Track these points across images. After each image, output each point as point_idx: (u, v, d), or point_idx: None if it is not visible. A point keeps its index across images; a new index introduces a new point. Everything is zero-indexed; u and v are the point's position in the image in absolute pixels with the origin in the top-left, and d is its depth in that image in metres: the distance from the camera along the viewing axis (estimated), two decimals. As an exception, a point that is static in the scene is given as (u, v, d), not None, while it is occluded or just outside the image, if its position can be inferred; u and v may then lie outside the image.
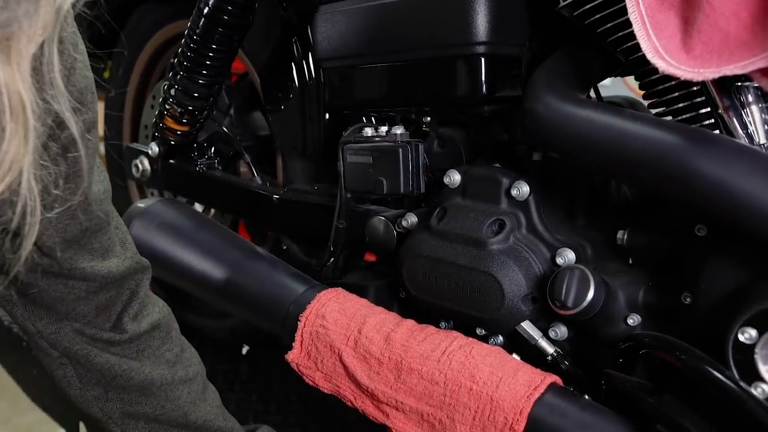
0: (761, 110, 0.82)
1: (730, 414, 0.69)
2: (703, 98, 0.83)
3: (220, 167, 1.58)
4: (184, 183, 1.58)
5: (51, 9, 0.60)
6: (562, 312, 0.89)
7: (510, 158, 1.11)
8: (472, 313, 0.99)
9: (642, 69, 0.89)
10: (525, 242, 0.97)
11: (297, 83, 1.39)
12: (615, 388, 0.82)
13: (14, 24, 0.56)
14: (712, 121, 0.83)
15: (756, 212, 0.68)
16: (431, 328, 0.98)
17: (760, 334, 0.71)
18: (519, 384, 0.85)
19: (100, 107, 1.10)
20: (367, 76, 1.13)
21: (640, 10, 0.77)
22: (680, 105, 0.85)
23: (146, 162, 1.63)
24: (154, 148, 1.55)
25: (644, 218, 0.94)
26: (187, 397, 0.93)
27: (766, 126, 0.83)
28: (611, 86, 2.44)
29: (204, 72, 1.36)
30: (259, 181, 1.52)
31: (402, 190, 1.12)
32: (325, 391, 1.04)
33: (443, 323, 1.08)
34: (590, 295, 0.87)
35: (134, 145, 1.69)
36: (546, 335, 0.97)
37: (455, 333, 0.96)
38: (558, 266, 0.94)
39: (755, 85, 0.79)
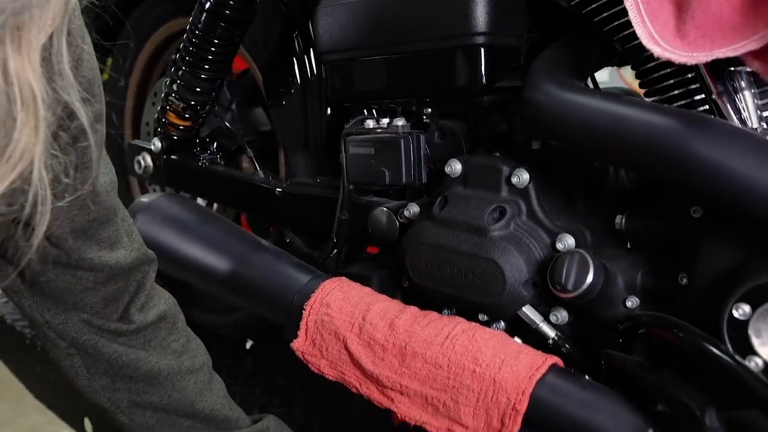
0: (753, 96, 0.84)
1: (726, 387, 0.71)
2: (698, 85, 0.84)
3: (222, 162, 1.60)
4: (187, 178, 1.59)
5: (61, 0, 0.62)
6: (563, 295, 0.91)
7: (509, 148, 1.12)
8: (475, 299, 1.01)
9: (638, 58, 0.91)
10: (525, 229, 0.99)
11: (298, 78, 1.41)
12: (615, 367, 0.84)
13: (26, 13, 0.57)
14: (707, 107, 0.85)
15: (750, 192, 0.70)
16: (434, 314, 1.00)
17: (754, 309, 0.73)
18: (521, 365, 0.87)
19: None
20: (369, 69, 1.15)
21: (635, -2, 0.79)
22: (675, 92, 0.87)
23: (149, 158, 1.64)
24: (156, 144, 1.57)
25: (642, 203, 0.95)
26: (194, 387, 0.95)
27: (758, 111, 0.85)
28: (609, 81, 2.47)
29: (206, 67, 1.38)
30: (261, 175, 1.54)
31: (404, 180, 1.14)
32: (331, 378, 1.05)
33: (446, 310, 1.10)
34: (590, 278, 0.89)
35: (136, 142, 1.71)
36: (547, 319, 0.99)
37: (458, 318, 0.98)
38: (558, 252, 0.96)
39: (748, 70, 0.81)
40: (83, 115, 0.70)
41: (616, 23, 0.89)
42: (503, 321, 1.04)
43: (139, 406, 0.92)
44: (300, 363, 1.68)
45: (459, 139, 1.17)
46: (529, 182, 1.01)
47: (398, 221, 1.17)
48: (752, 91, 0.83)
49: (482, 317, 1.04)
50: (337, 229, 1.27)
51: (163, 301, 0.95)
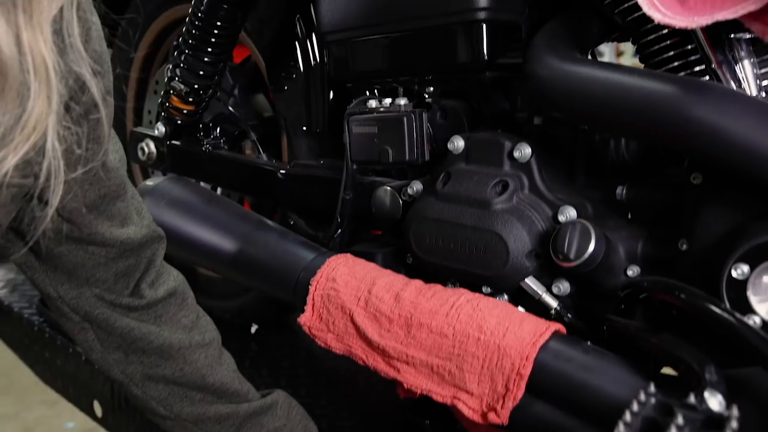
0: (753, 65, 0.85)
1: (726, 344, 0.72)
2: (698, 56, 0.86)
3: (225, 147, 1.61)
4: (191, 163, 1.60)
5: None
6: (565, 264, 0.92)
7: (511, 125, 1.14)
8: (479, 271, 1.03)
9: (638, 30, 0.92)
10: (528, 202, 1.01)
11: (301, 61, 1.43)
12: (617, 332, 0.86)
13: None
14: (707, 77, 0.86)
15: (750, 154, 0.72)
16: (439, 286, 1.02)
17: (752, 268, 0.75)
18: (525, 332, 0.88)
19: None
20: (371, 47, 1.16)
21: (635, -35, 0.81)
22: (675, 63, 0.89)
23: (152, 145, 1.66)
24: (160, 128, 1.58)
25: (642, 174, 0.97)
26: (205, 361, 0.97)
27: (757, 80, 0.86)
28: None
29: (209, 50, 1.40)
30: (265, 158, 1.55)
31: (407, 158, 1.15)
32: (337, 351, 1.07)
33: (450, 285, 1.12)
34: (591, 246, 0.90)
35: (139, 129, 1.72)
36: (549, 291, 1.00)
37: (463, 289, 1.00)
38: (560, 224, 0.98)
39: (747, 37, 0.83)
40: (94, 88, 0.71)
41: (615, -4, 0.90)
42: (506, 294, 1.06)
43: (151, 379, 0.94)
44: (304, 346, 1.71)
45: (461, 118, 1.18)
46: (531, 156, 1.02)
47: (401, 200, 1.19)
48: (752, 60, 0.85)
49: (486, 290, 1.06)
50: (341, 209, 1.29)
51: (172, 278, 0.97)
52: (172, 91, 1.48)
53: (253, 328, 1.76)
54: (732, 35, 0.83)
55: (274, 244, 1.19)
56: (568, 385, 0.84)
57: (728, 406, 0.62)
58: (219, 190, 1.67)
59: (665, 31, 0.87)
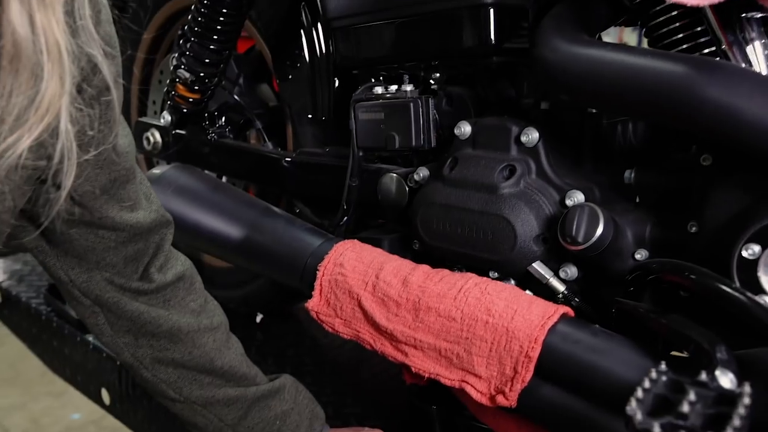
0: (764, 45, 0.85)
1: (737, 323, 0.72)
2: (708, 37, 0.86)
3: (231, 136, 1.61)
4: (196, 152, 1.61)
5: None
6: (573, 248, 0.92)
7: (517, 111, 1.14)
8: (486, 256, 1.03)
9: (646, 13, 0.92)
10: (535, 186, 1.01)
11: (306, 49, 1.42)
12: (625, 313, 0.86)
13: None
14: (717, 58, 0.86)
15: (762, 132, 0.72)
16: (446, 271, 1.02)
17: (763, 248, 0.75)
18: (533, 315, 0.88)
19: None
20: (377, 34, 1.16)
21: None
22: (685, 45, 0.88)
23: (157, 134, 1.66)
24: (166, 117, 1.59)
25: (650, 158, 0.97)
26: (213, 344, 0.97)
27: (768, 60, 0.86)
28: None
29: (214, 37, 1.40)
30: (270, 147, 1.55)
31: (413, 143, 1.15)
32: (345, 336, 1.07)
33: (457, 270, 1.11)
34: (600, 229, 0.90)
35: (144, 119, 1.72)
36: (556, 275, 1.00)
37: (470, 273, 1.00)
38: (567, 208, 0.98)
39: (758, 16, 0.82)
40: (106, 69, 0.72)
41: (624, -22, 0.90)
42: (513, 278, 1.06)
43: (161, 362, 0.94)
44: (309, 335, 1.71)
45: (467, 105, 1.18)
46: (539, 141, 1.02)
47: (407, 186, 1.19)
48: (762, 41, 0.85)
49: (493, 274, 1.06)
50: (347, 196, 1.29)
51: (180, 263, 0.97)
52: (177, 80, 1.48)
53: (258, 318, 1.77)
54: (743, 15, 0.83)
55: (281, 231, 1.19)
56: (577, 367, 0.84)
57: (740, 384, 0.62)
58: (224, 179, 1.67)
59: (675, 12, 0.87)
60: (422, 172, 1.16)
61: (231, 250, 1.24)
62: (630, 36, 4.58)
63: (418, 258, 1.15)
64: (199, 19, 1.39)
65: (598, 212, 0.91)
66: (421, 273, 1.00)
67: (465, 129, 1.10)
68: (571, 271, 1.00)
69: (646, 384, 0.59)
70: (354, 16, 1.17)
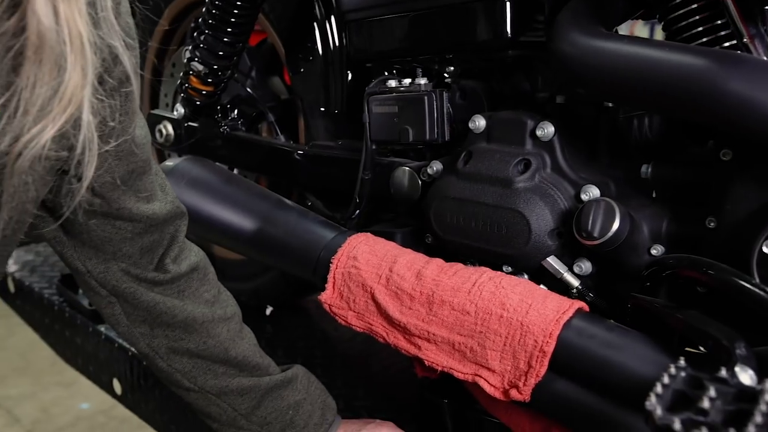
0: (786, 38, 0.84)
1: (756, 319, 0.72)
2: (729, 30, 0.85)
3: (243, 128, 1.61)
4: (208, 144, 1.61)
5: None
6: (588, 243, 0.92)
7: (531, 105, 1.13)
8: (500, 250, 1.03)
9: (665, 6, 0.91)
10: (550, 180, 1.01)
11: (319, 42, 1.42)
12: (641, 309, 0.85)
13: None
14: (739, 52, 0.85)
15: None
16: (460, 265, 1.01)
17: (784, 244, 0.74)
18: (548, 309, 0.88)
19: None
20: (391, 27, 1.16)
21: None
22: (705, 39, 0.88)
23: (170, 127, 1.66)
24: (179, 110, 1.59)
25: (666, 152, 0.96)
26: (227, 335, 0.98)
27: (791, 53, 0.85)
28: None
29: (228, 30, 1.40)
30: (282, 139, 1.55)
31: (427, 137, 1.15)
32: (358, 329, 1.07)
33: (470, 264, 1.11)
34: (616, 225, 0.90)
35: (157, 111, 1.73)
36: (571, 270, 1.00)
37: (484, 267, 1.00)
38: (582, 203, 0.97)
39: (780, 5, 0.82)
40: (126, 60, 0.72)
41: (643, -29, 0.89)
42: (526, 273, 1.05)
43: (176, 352, 0.95)
44: (319, 327, 1.71)
45: (480, 99, 1.18)
46: (554, 135, 1.02)
47: (420, 180, 1.19)
48: (785, 33, 0.84)
49: (506, 269, 1.06)
50: (360, 189, 1.29)
51: (194, 254, 0.98)
52: (191, 72, 1.48)
53: (268, 310, 1.77)
54: (766, 7, 0.82)
55: (294, 223, 1.19)
56: (592, 362, 0.84)
57: (760, 381, 0.62)
58: (236, 172, 1.67)
59: (695, 5, 0.86)
60: (435, 166, 1.16)
61: (244, 243, 1.24)
62: (641, 29, 4.55)
63: (430, 252, 1.15)
64: (214, 11, 1.38)
65: (615, 207, 0.91)
66: (435, 266, 1.00)
67: (480, 123, 1.10)
68: (585, 266, 0.99)
69: (665, 379, 0.59)
70: (368, 9, 1.17)
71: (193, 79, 1.49)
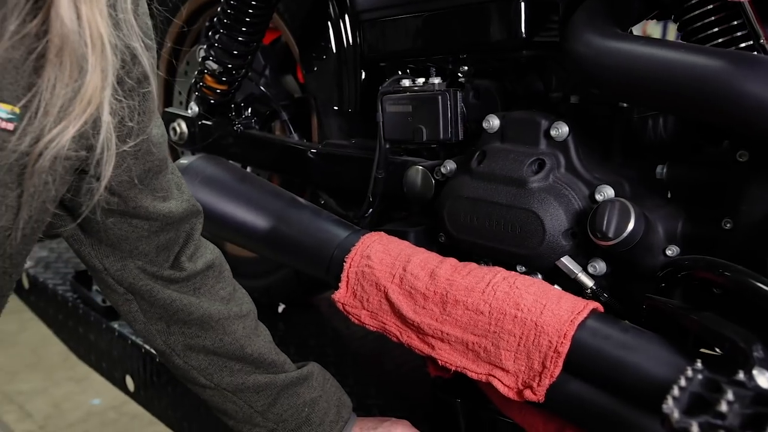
0: (803, 40, 0.84)
1: (771, 322, 0.72)
2: (745, 31, 0.85)
3: (257, 127, 1.62)
4: (222, 142, 1.62)
5: None
6: (603, 243, 0.92)
7: (545, 105, 1.13)
8: (513, 250, 1.03)
9: (681, 6, 0.91)
10: (564, 181, 1.01)
11: (333, 41, 1.42)
12: (656, 310, 0.85)
13: None
14: (755, 53, 0.85)
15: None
16: (474, 264, 1.02)
17: (802, 246, 0.74)
18: (562, 310, 0.88)
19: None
20: (406, 26, 1.16)
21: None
22: (721, 39, 0.87)
23: (183, 125, 1.67)
24: (193, 108, 1.60)
25: (681, 153, 0.96)
26: (243, 332, 0.98)
27: (808, 53, 0.85)
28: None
29: (243, 29, 1.40)
30: (296, 138, 1.56)
31: (441, 136, 1.15)
32: (371, 328, 1.08)
33: (483, 263, 1.11)
34: (631, 225, 0.89)
35: (171, 109, 1.73)
36: (585, 270, 1.00)
37: (498, 267, 1.00)
38: (596, 203, 0.97)
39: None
40: (145, 61, 0.73)
41: (659, -29, 0.89)
42: (540, 273, 1.05)
43: (192, 349, 0.96)
44: (330, 325, 1.72)
45: (494, 99, 1.18)
46: (568, 135, 1.02)
47: (434, 179, 1.19)
48: (801, 34, 0.84)
49: (520, 269, 1.06)
50: (373, 188, 1.29)
51: (210, 251, 0.99)
52: (206, 71, 1.49)
53: (280, 308, 1.78)
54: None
55: (308, 222, 1.20)
56: (606, 363, 0.84)
57: (777, 383, 0.62)
58: (249, 170, 1.68)
59: (711, 6, 0.86)
60: (449, 165, 1.16)
61: (257, 241, 1.25)
62: (654, 29, 4.52)
63: (444, 251, 1.15)
64: (228, 11, 1.39)
65: (630, 207, 0.90)
66: (449, 266, 1.00)
67: (493, 122, 1.10)
68: (599, 267, 0.99)
69: (683, 382, 0.59)
70: (383, 9, 1.17)
71: (207, 77, 1.50)
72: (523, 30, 1.03)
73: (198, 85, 1.54)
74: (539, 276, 1.06)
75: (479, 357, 0.94)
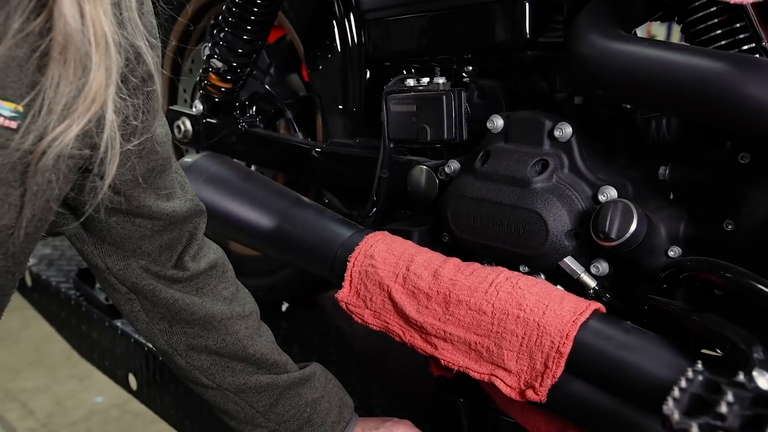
0: (804, 43, 0.84)
1: (773, 324, 0.72)
2: (748, 33, 0.85)
3: (261, 125, 1.62)
4: (226, 141, 1.62)
5: None
6: (606, 244, 0.92)
7: (549, 105, 1.14)
8: (517, 250, 1.03)
9: (684, 8, 0.91)
10: (568, 181, 1.01)
11: (338, 40, 1.43)
12: (658, 311, 0.85)
13: None
14: (757, 56, 0.85)
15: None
16: (477, 264, 1.02)
17: (803, 248, 0.74)
18: (565, 310, 0.88)
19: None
20: (411, 26, 1.16)
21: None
22: (724, 42, 0.88)
23: (188, 123, 1.67)
24: (198, 106, 1.60)
25: (684, 155, 0.96)
26: (245, 332, 0.99)
27: (810, 56, 0.85)
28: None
29: (248, 28, 1.41)
30: (300, 137, 1.56)
31: (445, 136, 1.15)
32: (374, 327, 1.08)
33: (486, 263, 1.12)
34: (633, 226, 0.90)
35: (176, 107, 1.74)
36: (587, 271, 1.00)
37: (501, 267, 1.00)
38: (599, 203, 0.98)
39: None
40: (150, 59, 0.73)
41: (662, -27, 0.89)
42: (543, 273, 1.06)
43: (195, 349, 0.96)
44: (334, 324, 1.72)
45: (498, 99, 1.18)
46: (572, 136, 1.02)
47: (438, 179, 1.19)
48: (803, 38, 0.84)
49: (523, 269, 1.06)
50: (377, 188, 1.29)
51: (213, 251, 0.99)
52: (210, 69, 1.49)
53: (284, 306, 1.78)
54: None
55: (312, 221, 1.20)
56: (608, 363, 0.84)
57: (777, 385, 0.62)
58: (253, 168, 1.68)
59: (714, 8, 0.86)
60: (453, 165, 1.17)
61: (261, 240, 1.25)
62: (658, 29, 4.52)
63: (447, 251, 1.16)
64: (233, 9, 1.40)
65: (632, 208, 0.91)
66: (452, 266, 1.01)
67: (497, 122, 1.10)
68: (602, 267, 0.99)
69: (683, 383, 0.59)
70: (388, 9, 1.18)
71: (212, 76, 1.50)
72: (527, 30, 1.03)
73: (203, 84, 1.54)
74: (542, 276, 1.06)
75: (482, 357, 0.94)
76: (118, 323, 1.60)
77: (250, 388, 0.98)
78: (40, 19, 0.62)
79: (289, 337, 1.66)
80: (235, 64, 1.47)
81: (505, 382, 0.92)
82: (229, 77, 1.49)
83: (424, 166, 1.21)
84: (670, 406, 0.57)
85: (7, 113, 0.63)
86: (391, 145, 1.25)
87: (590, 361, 0.85)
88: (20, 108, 0.63)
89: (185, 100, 1.84)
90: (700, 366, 0.62)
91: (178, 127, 1.68)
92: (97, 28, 0.64)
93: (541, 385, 0.88)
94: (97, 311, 1.67)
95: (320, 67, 1.47)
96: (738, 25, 0.86)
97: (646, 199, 0.97)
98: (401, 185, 1.26)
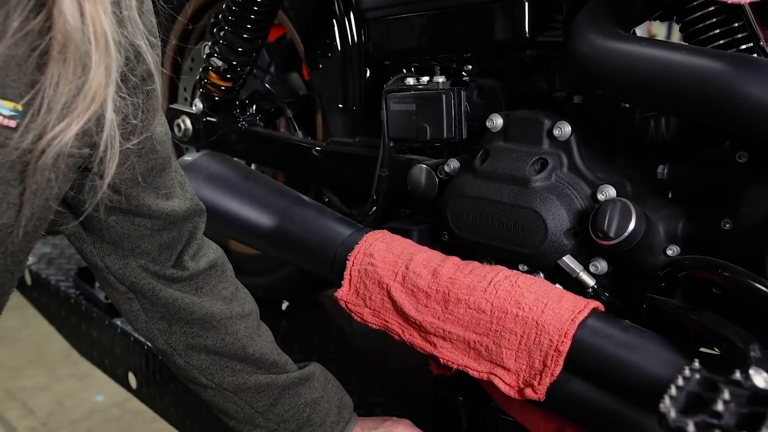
0: (802, 42, 0.84)
1: (770, 323, 0.72)
2: (746, 33, 0.85)
3: (261, 124, 1.62)
4: (226, 139, 1.62)
5: None
6: (604, 242, 0.92)
7: (549, 105, 1.14)
8: (516, 249, 1.03)
9: (683, 8, 0.91)
10: (567, 180, 1.01)
11: (338, 39, 1.43)
12: (656, 309, 0.86)
13: None
14: (755, 55, 0.86)
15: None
16: (476, 263, 1.02)
17: (801, 247, 0.74)
18: (563, 309, 0.89)
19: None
20: (410, 25, 1.16)
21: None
22: (722, 41, 0.88)
23: (188, 121, 1.68)
24: (198, 105, 1.60)
25: (683, 154, 0.96)
26: (245, 332, 0.99)
27: (808, 56, 0.85)
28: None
29: (248, 26, 1.41)
30: (300, 136, 1.57)
31: (445, 135, 1.15)
32: (373, 326, 1.08)
33: (486, 262, 1.12)
34: (632, 225, 0.90)
35: (176, 106, 1.74)
36: (586, 269, 1.00)
37: (500, 266, 1.00)
38: (598, 202, 0.98)
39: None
40: (150, 58, 0.73)
41: (661, -28, 0.89)
42: (542, 272, 1.06)
43: (194, 348, 0.96)
44: (334, 323, 1.72)
45: (498, 98, 1.18)
46: (571, 135, 1.02)
47: (437, 177, 1.20)
48: (800, 37, 0.84)
49: (522, 267, 1.06)
50: (377, 186, 1.30)
51: (212, 251, 0.99)
52: (210, 68, 1.49)
53: (284, 305, 1.78)
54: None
55: (312, 220, 1.20)
56: (607, 362, 0.84)
57: (774, 383, 0.62)
58: (253, 167, 1.69)
59: (712, 7, 0.87)
60: (453, 164, 1.17)
61: (261, 238, 1.25)
62: (658, 29, 4.52)
63: (447, 249, 1.16)
64: (234, 8, 1.40)
65: (631, 207, 0.91)
66: (451, 265, 1.01)
67: (497, 121, 1.10)
68: (601, 266, 1.00)
69: (680, 382, 0.59)
70: (388, 8, 1.18)
71: (212, 74, 1.50)
72: (527, 30, 1.03)
73: (203, 82, 1.54)
74: (541, 275, 1.06)
75: (481, 355, 0.95)
76: (118, 322, 1.60)
77: (250, 387, 0.98)
78: (39, 17, 0.62)
79: (289, 335, 1.66)
80: (235, 63, 1.47)
81: (504, 381, 0.92)
82: (229, 76, 1.49)
83: (424, 165, 1.21)
84: (666, 404, 0.57)
85: (7, 112, 0.63)
86: (391, 144, 1.26)
87: (589, 359, 0.86)
88: (19, 107, 0.63)
89: (185, 99, 1.84)
90: (697, 364, 0.62)
91: (178, 125, 1.68)
92: (96, 27, 0.64)
93: (539, 384, 0.89)
94: (96, 310, 1.67)
95: (320, 66, 1.47)
96: (736, 24, 0.86)
97: (645, 198, 0.98)
98: (401, 184, 1.26)
